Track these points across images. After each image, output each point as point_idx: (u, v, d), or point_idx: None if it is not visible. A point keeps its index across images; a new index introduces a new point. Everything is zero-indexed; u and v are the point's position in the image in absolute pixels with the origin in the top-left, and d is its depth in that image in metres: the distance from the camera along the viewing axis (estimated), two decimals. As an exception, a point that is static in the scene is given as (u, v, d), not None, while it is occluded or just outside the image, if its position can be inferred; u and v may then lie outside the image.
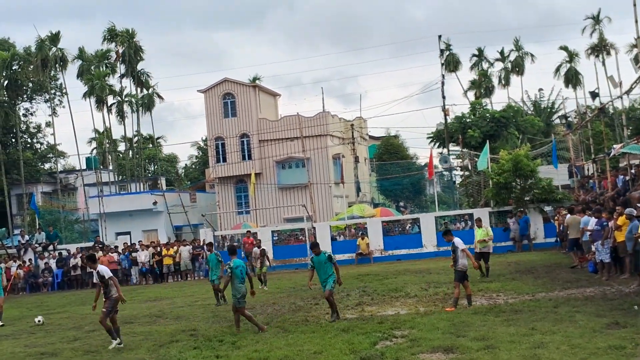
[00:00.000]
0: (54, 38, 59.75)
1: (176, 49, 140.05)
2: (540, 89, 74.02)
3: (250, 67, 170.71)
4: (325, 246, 36.56)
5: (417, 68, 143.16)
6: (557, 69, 72.80)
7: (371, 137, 68.17)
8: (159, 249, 36.33)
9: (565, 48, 72.10)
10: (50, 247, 38.55)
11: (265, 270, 25.87)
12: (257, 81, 65.40)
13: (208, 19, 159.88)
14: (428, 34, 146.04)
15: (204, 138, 72.32)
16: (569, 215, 24.55)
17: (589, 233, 21.09)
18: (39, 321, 19.26)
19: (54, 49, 59.33)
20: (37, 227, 42.33)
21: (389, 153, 66.33)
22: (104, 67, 61.76)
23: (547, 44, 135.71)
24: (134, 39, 62.89)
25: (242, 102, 53.84)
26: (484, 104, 58.06)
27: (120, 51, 62.42)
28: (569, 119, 56.49)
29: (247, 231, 37.06)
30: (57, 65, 60.03)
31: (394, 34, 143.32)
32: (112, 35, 62.25)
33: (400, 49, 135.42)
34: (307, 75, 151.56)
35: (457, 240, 16.05)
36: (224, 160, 53.68)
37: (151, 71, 67.69)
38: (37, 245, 38.77)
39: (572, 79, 71.70)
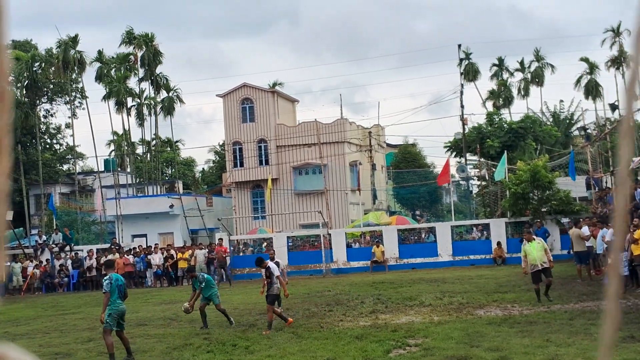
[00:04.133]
0: (73, 41, 60.14)
1: (183, 57, 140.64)
2: (561, 101, 73.86)
3: (258, 75, 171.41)
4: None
5: (426, 78, 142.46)
6: (578, 81, 72.47)
7: (388, 145, 68.04)
8: (172, 252, 36.42)
9: (585, 60, 71.78)
10: (67, 248, 38.84)
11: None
12: (276, 87, 65.47)
13: (215, 29, 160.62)
14: (432, 46, 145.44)
15: (221, 142, 72.46)
16: (573, 229, 24.86)
17: (605, 246, 20.99)
18: None
19: (72, 51, 59.72)
20: (54, 227, 42.62)
21: (406, 161, 66.13)
22: (124, 70, 62.02)
23: (554, 57, 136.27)
24: (154, 43, 63.15)
25: (260, 108, 53.78)
26: (500, 114, 57.84)
27: (139, 55, 62.75)
28: (588, 130, 56.10)
29: (219, 239, 36.21)
30: (75, 67, 60.39)
31: (399, 46, 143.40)
32: (130, 38, 62.60)
33: (407, 60, 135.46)
34: (315, 85, 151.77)
35: (272, 266, 16.44)
36: (241, 165, 53.68)
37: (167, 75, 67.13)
38: (53, 245, 39.09)
39: (592, 90, 71.33)
